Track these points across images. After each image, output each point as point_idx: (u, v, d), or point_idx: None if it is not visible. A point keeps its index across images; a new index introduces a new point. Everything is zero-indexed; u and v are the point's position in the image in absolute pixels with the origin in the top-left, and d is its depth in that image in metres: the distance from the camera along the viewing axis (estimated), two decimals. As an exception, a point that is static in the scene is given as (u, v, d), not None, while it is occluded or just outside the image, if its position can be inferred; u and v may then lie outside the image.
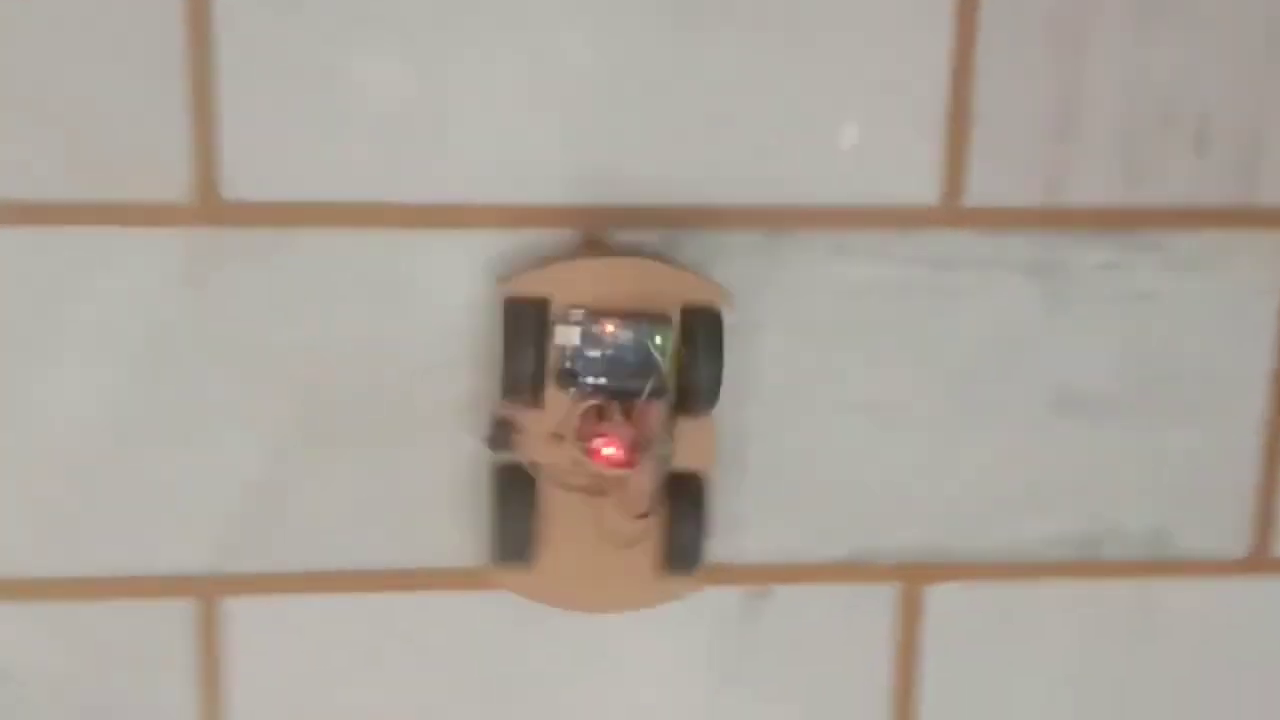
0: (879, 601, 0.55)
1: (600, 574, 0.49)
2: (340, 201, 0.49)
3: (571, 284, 0.47)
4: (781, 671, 0.55)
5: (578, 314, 0.47)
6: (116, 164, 0.48)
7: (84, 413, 0.50)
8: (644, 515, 0.48)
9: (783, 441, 0.53)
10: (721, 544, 0.52)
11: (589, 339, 0.47)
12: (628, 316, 0.47)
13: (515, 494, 0.48)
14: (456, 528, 0.52)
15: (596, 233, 0.50)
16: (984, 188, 0.51)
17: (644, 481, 0.47)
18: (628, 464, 0.47)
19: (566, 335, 0.47)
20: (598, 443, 0.46)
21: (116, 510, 0.51)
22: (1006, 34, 0.50)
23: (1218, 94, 0.51)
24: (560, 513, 0.48)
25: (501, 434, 0.48)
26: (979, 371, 0.53)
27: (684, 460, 0.48)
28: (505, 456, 0.48)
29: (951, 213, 0.51)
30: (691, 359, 0.47)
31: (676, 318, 0.47)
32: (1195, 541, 0.56)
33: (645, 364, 0.47)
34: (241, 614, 0.52)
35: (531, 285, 0.47)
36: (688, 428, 0.48)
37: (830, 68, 0.49)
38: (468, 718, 0.54)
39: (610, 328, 0.47)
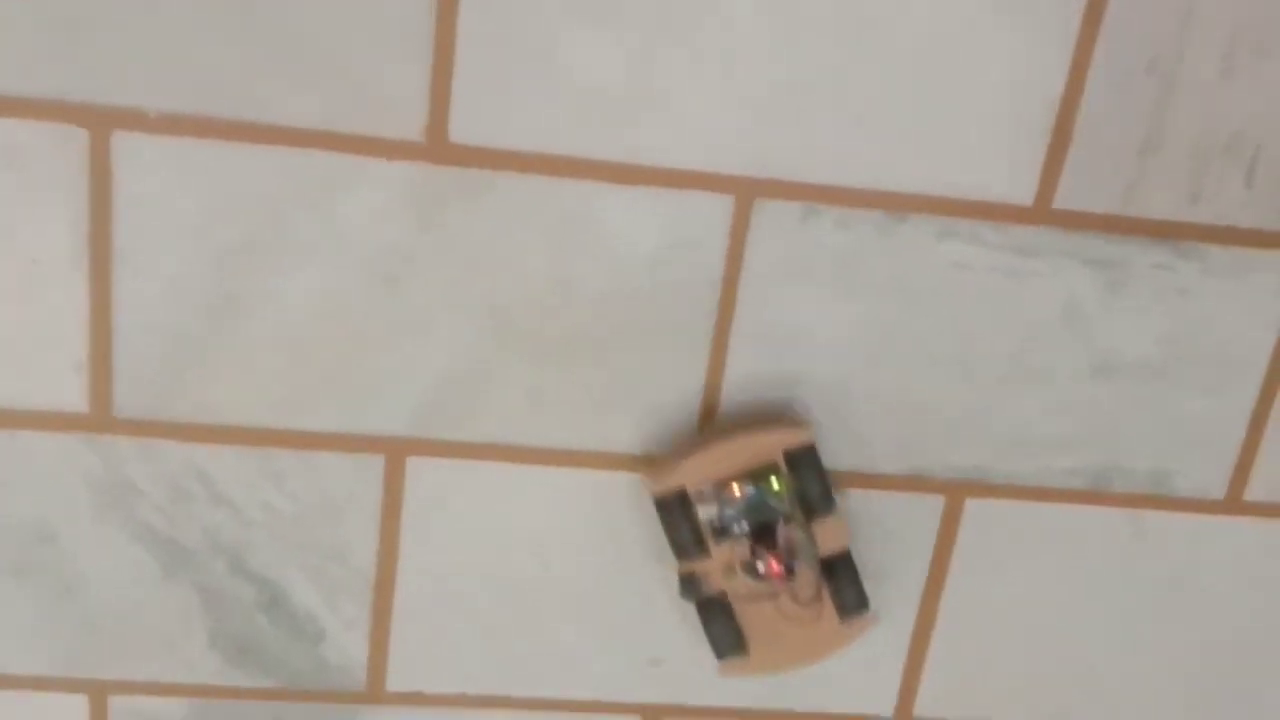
0: (929, 510, 0.68)
1: (798, 642, 0.65)
2: (546, 153, 0.59)
3: (697, 470, 0.62)
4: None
5: (708, 491, 0.62)
6: (364, 104, 0.57)
7: (315, 305, 0.60)
8: (813, 599, 0.64)
9: (877, 381, 0.64)
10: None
11: (724, 502, 0.62)
12: (745, 476, 0.62)
13: (716, 617, 0.64)
14: (614, 423, 0.64)
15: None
16: (1071, 193, 0.62)
17: (804, 579, 0.64)
18: (787, 574, 0.63)
19: (706, 511, 0.62)
20: (760, 568, 0.63)
21: (332, 382, 0.62)
22: (1113, 71, 0.60)
23: (1273, 133, 0.62)
24: (753, 615, 0.64)
25: (689, 585, 0.63)
26: (1041, 337, 0.65)
27: (828, 547, 0.64)
28: (699, 595, 0.63)
29: (1041, 212, 0.62)
30: (801, 484, 0.62)
31: (781, 460, 0.62)
32: (1186, 483, 0.69)
33: (772, 503, 0.62)
34: (424, 474, 0.64)
35: (669, 481, 0.62)
36: (822, 526, 0.63)
37: (962, 84, 0.59)
38: (598, 593, 0.67)
39: (735, 490, 0.62)
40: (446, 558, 0.66)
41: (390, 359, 0.62)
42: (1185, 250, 0.64)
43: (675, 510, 0.62)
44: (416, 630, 0.68)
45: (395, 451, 0.64)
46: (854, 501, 0.67)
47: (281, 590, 0.66)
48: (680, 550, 0.62)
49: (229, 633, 0.67)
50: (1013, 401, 0.66)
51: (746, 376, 0.64)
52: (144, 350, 0.60)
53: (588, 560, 0.67)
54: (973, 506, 0.69)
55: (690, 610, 0.65)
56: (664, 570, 0.67)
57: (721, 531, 0.62)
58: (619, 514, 0.66)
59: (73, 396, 0.61)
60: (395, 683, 0.69)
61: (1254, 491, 0.70)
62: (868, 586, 0.67)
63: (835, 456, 0.66)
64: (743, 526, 0.62)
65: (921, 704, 0.73)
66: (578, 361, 0.63)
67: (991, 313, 0.64)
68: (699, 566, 0.63)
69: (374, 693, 0.69)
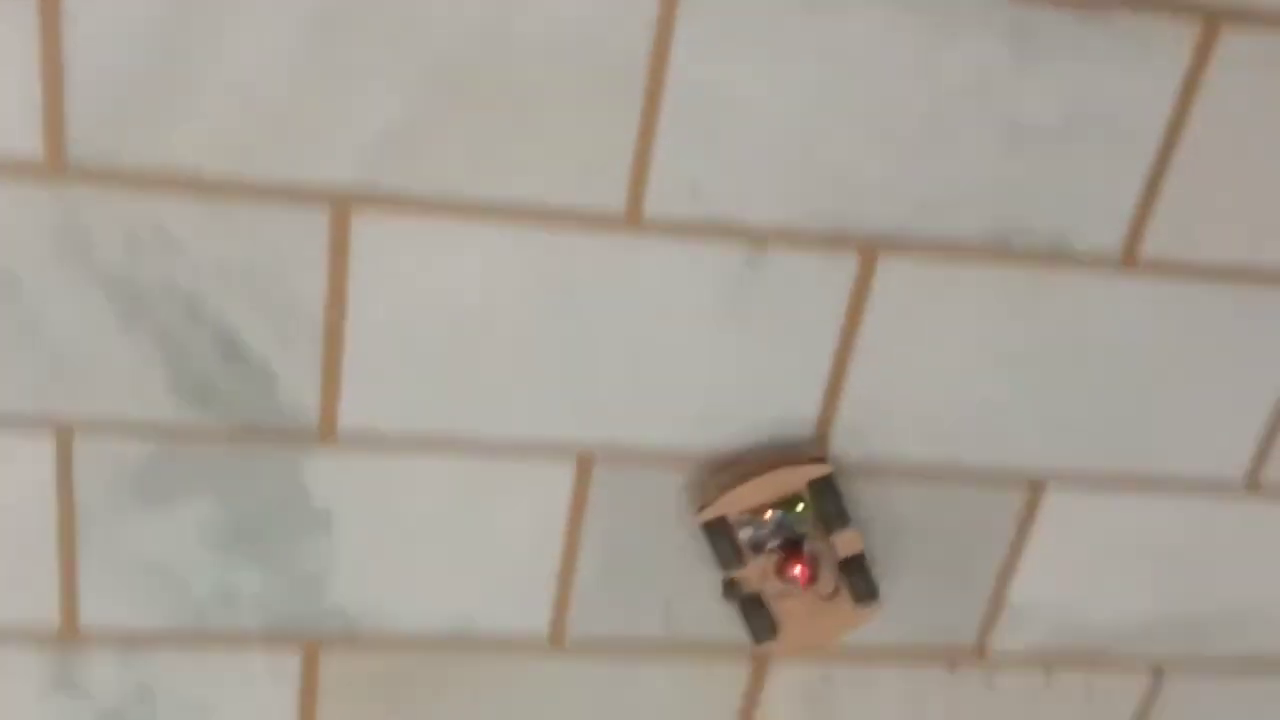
0: (845, 267, 0.73)
1: (821, 626, 0.81)
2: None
3: (736, 503, 0.77)
4: (770, 317, 0.73)
5: (745, 518, 0.77)
6: None
7: (262, 53, 0.63)
8: (832, 594, 0.80)
9: (799, 142, 0.68)
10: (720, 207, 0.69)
11: (758, 526, 0.77)
12: (776, 505, 0.77)
13: (753, 612, 0.80)
14: (553, 177, 0.67)
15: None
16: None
17: (825, 580, 0.80)
18: (812, 579, 0.78)
19: (744, 534, 0.78)
20: (791, 574, 0.78)
21: (278, 131, 0.65)
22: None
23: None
24: (784, 608, 0.80)
25: (731, 589, 0.79)
26: (955, 102, 0.69)
27: (845, 551, 0.79)
28: (739, 596, 0.79)
29: (957, -23, 0.65)
30: (823, 507, 0.77)
31: (805, 489, 0.76)
32: (1084, 244, 0.75)
33: (797, 523, 0.78)
34: (369, 224, 0.68)
35: (713, 513, 0.77)
36: (840, 536, 0.78)
37: None
38: (542, 340, 0.72)
39: (768, 515, 0.77)
40: (393, 306, 0.70)
41: (334, 109, 0.65)
42: (1090, 17, 0.67)
43: (718, 533, 0.77)
44: (365, 375, 0.72)
45: (340, 202, 0.67)
46: (778, 257, 0.72)
47: (235, 336, 0.70)
48: (723, 562, 0.78)
49: (186, 377, 0.71)
50: (922, 163, 0.71)
51: (677, 134, 0.68)
52: (96, 95, 0.63)
53: (530, 308, 0.72)
54: (886, 264, 0.74)
55: (628, 360, 0.71)
56: (604, 319, 0.72)
57: (756, 547, 0.78)
58: (561, 265, 0.71)
59: (27, 144, 0.63)
60: (346, 424, 0.74)
61: (1147, 252, 0.76)
62: (785, 336, 0.72)
63: (760, 213, 0.70)
64: (774, 543, 0.78)
65: (833, 446, 0.79)
66: (518, 116, 0.66)
67: (898, 83, 0.68)
68: (738, 574, 0.79)
69: (326, 434, 0.74)
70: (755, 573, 0.78)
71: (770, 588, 0.79)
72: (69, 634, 0.77)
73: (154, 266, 0.67)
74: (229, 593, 0.78)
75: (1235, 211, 0.75)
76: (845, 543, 0.78)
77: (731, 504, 0.76)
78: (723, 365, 0.75)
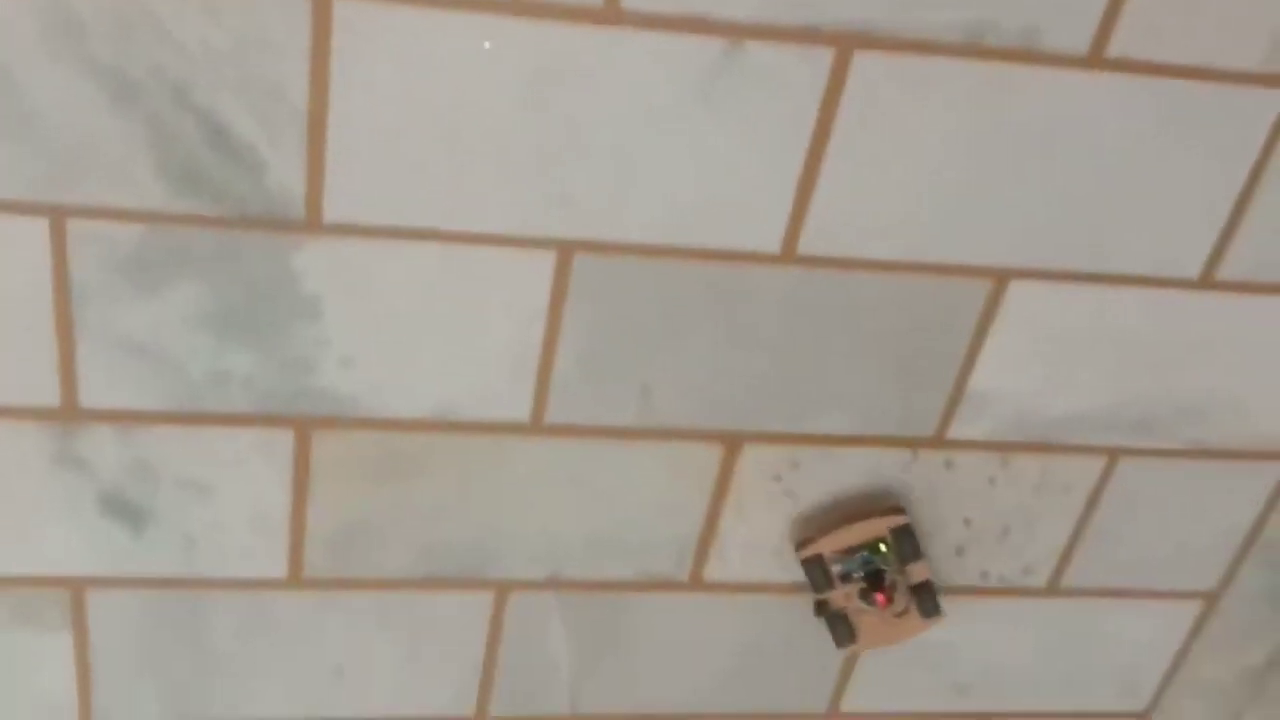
0: (818, 63, 0.75)
1: (892, 633, 0.98)
2: None
3: (830, 544, 0.93)
4: (745, 111, 0.75)
5: (837, 556, 0.94)
6: None
7: None
8: (903, 612, 0.96)
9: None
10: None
11: (848, 562, 0.94)
12: (860, 547, 0.93)
13: (839, 625, 0.97)
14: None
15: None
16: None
17: (899, 602, 0.96)
18: (889, 603, 0.94)
19: (836, 567, 0.94)
20: (875, 600, 0.94)
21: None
22: None
23: None
24: (864, 621, 0.97)
25: (821, 608, 0.96)
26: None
27: (915, 579, 0.96)
28: (828, 613, 0.96)
29: None
30: (900, 548, 0.93)
31: (888, 533, 0.93)
32: (1053, 40, 0.76)
33: (880, 560, 0.94)
34: (351, 14, 0.69)
35: (811, 551, 0.93)
36: (914, 566, 0.95)
37: None
38: (521, 132, 0.73)
39: (856, 552, 0.93)
40: (375, 96, 0.72)
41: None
42: None
43: (814, 567, 0.94)
44: (349, 165, 0.74)
45: (324, -9, 0.68)
46: (754, 51, 0.73)
47: (222, 123, 0.72)
48: (816, 588, 0.94)
49: (175, 164, 0.73)
50: (900, -43, 0.71)
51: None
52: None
53: (510, 99, 0.73)
54: (860, 59, 0.75)
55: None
56: (582, 111, 0.74)
57: (845, 578, 0.94)
58: (540, 57, 0.72)
59: (12, -72, 0.64)
60: (332, 213, 0.76)
61: (1114, 50, 0.77)
62: (756, 119, 0.74)
63: (736, 7, 0.71)
64: (859, 574, 0.94)
65: (805, 242, 0.82)
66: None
67: None
68: (828, 596, 0.95)
69: (313, 222, 0.77)
70: (841, 596, 0.96)
71: (853, 607, 0.96)
72: (69, 414, 0.81)
73: (143, 54, 0.69)
74: (222, 375, 0.81)
75: (1201, 11, 0.76)
76: (916, 571, 0.95)
77: (828, 544, 0.93)
78: (698, 158, 0.77)
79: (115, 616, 0.90)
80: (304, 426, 0.84)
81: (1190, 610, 1.05)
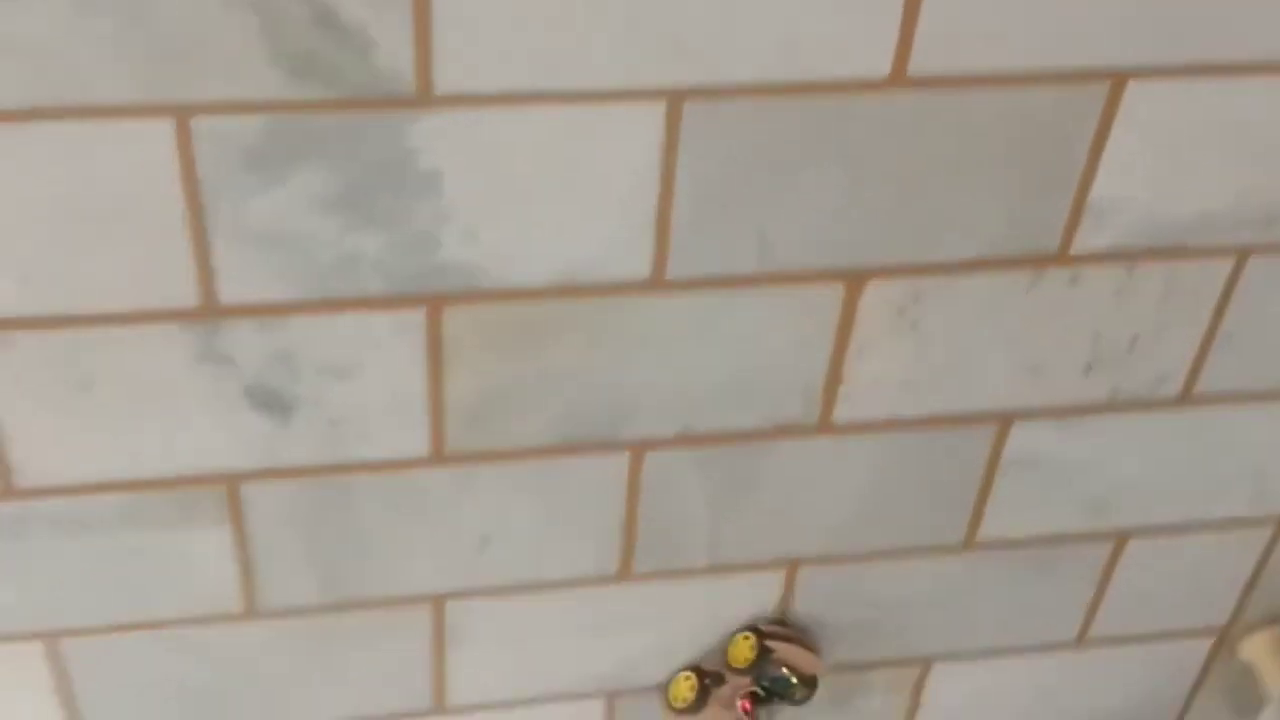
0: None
1: None
2: None
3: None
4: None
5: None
6: None
7: None
8: None
9: None
10: None
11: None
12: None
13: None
14: None
15: None
16: None
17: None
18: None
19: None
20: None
21: None
22: None
23: None
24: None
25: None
26: None
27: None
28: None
29: None
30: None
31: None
32: None
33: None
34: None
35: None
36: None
37: None
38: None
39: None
40: (479, -45, 0.72)
41: None
42: None
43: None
44: (457, 34, 0.74)
45: None
46: None
47: (329, 3, 0.72)
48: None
49: (287, 49, 0.73)
50: None
51: None
52: None
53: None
54: None
55: None
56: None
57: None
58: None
59: None
60: (442, 86, 0.77)
61: None
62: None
63: None
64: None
65: (914, 64, 0.81)
66: None
67: None
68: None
69: (424, 98, 0.77)
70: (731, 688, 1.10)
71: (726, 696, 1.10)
72: (209, 311, 0.83)
73: (245, -61, 0.69)
74: (351, 258, 0.83)
75: None
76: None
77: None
78: (802, -10, 0.76)
79: (269, 506, 0.93)
80: (434, 303, 0.86)
81: (1324, 408, 1.05)
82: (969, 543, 1.08)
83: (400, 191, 0.80)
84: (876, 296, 0.91)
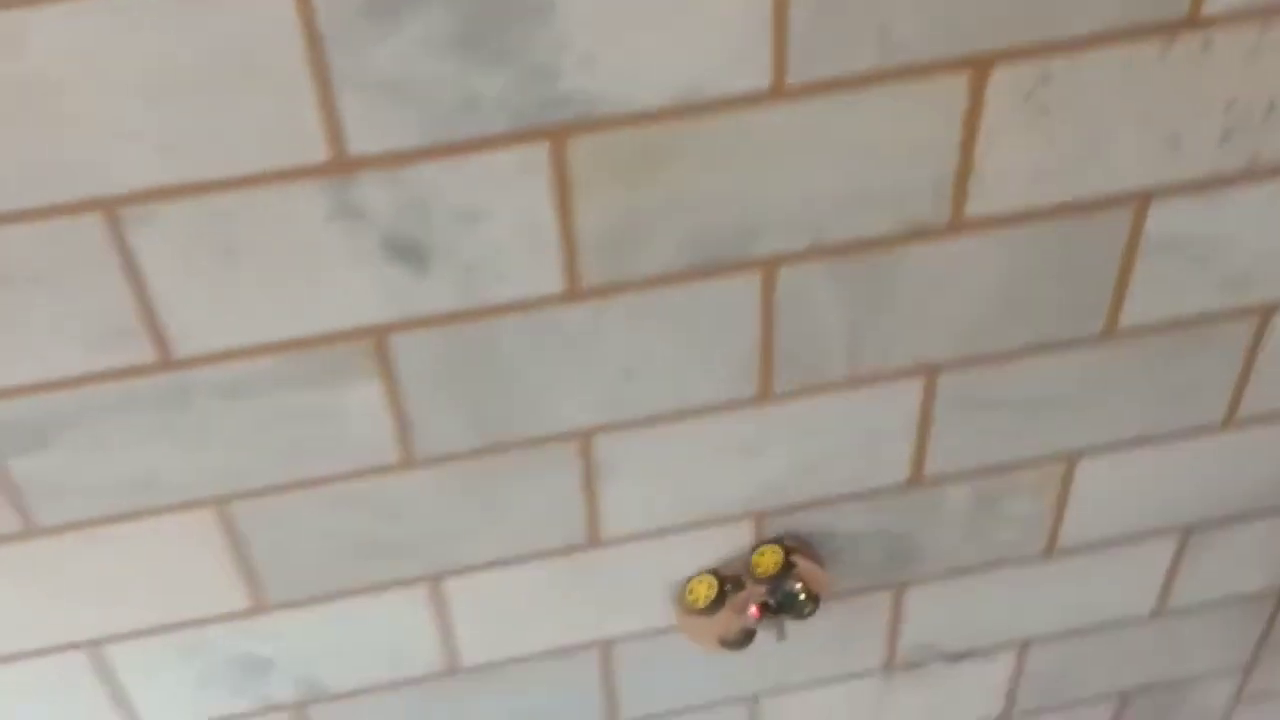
0: None
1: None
2: None
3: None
4: None
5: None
6: None
7: None
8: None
9: None
10: None
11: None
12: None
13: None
14: None
15: None
16: None
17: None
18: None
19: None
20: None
21: None
22: None
23: None
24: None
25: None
26: None
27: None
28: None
29: None
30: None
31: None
32: None
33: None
34: None
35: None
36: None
37: None
38: None
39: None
40: None
41: None
42: None
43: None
44: None
45: None
46: None
47: None
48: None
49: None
50: None
51: None
52: None
53: None
54: None
55: None
56: None
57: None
58: None
59: None
60: (548, -93, 0.75)
61: None
62: None
63: None
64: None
65: None
66: None
67: None
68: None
69: (530, -79, 0.76)
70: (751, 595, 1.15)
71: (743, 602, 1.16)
72: (339, 165, 0.84)
73: None
74: (472, 98, 0.83)
75: None
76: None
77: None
78: None
79: (415, 356, 0.95)
80: (557, 136, 0.86)
81: None
82: (1109, 332, 1.07)
83: (516, 24, 0.79)
84: (1003, 82, 0.89)
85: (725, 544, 1.15)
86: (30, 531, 0.98)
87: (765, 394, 1.05)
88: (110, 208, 0.82)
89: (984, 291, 1.02)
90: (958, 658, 1.33)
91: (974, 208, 0.96)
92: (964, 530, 1.19)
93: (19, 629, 1.04)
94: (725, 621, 1.18)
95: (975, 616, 1.28)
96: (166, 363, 0.91)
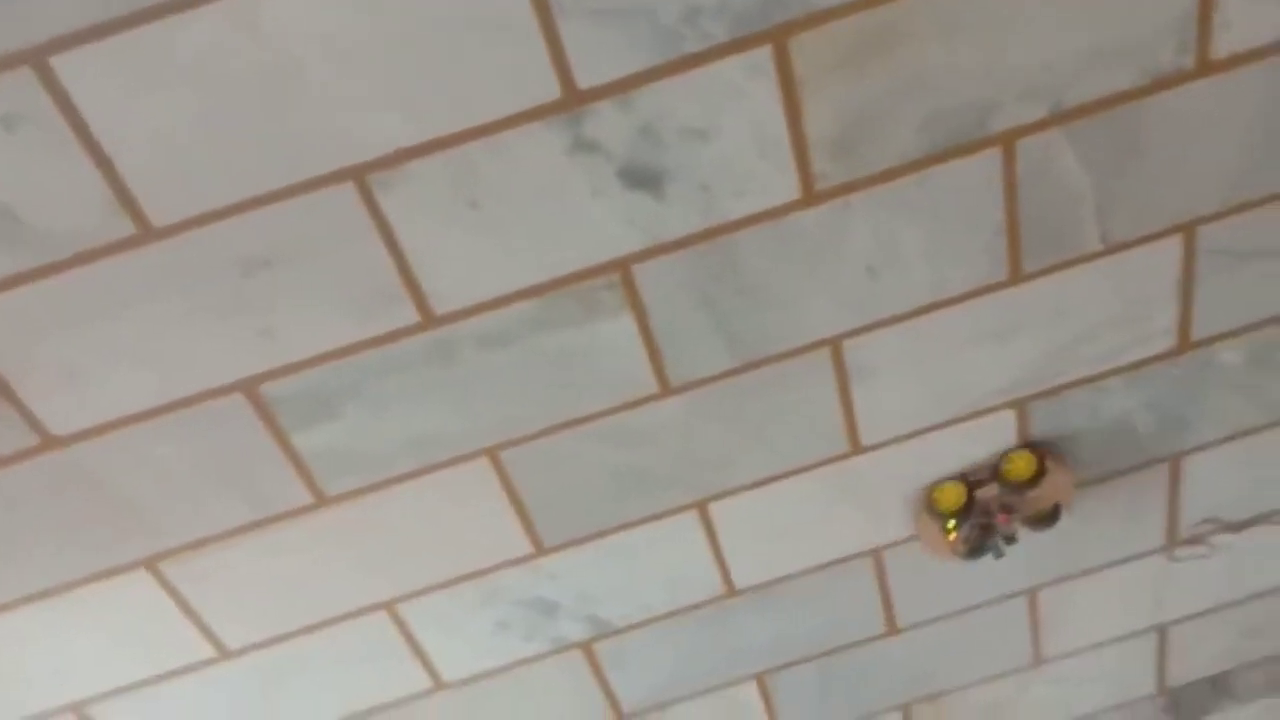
0: None
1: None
2: None
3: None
4: None
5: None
6: None
7: None
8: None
9: None
10: None
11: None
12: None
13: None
14: None
15: None
16: None
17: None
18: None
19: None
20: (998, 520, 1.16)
21: None
22: None
23: None
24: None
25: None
26: None
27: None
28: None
29: None
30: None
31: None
32: None
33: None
34: None
35: None
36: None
37: None
38: None
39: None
40: None
41: None
42: None
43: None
44: None
45: None
46: None
47: None
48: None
49: None
50: None
51: None
52: None
53: None
54: None
55: None
56: None
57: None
58: None
59: None
60: None
61: None
62: None
63: None
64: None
65: None
66: None
67: None
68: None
69: None
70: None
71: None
72: (571, 100, 0.85)
73: None
74: (692, 11, 0.82)
75: None
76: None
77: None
78: None
79: (661, 282, 0.96)
80: (779, 36, 0.84)
81: None
82: (1379, 159, 1.00)
83: (728, -75, 0.78)
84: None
85: (986, 441, 1.12)
86: (322, 502, 1.02)
87: (1015, 275, 1.02)
88: (360, 174, 0.85)
89: (1238, 135, 0.96)
90: (1241, 526, 1.28)
91: (1220, 47, 0.91)
92: (1241, 391, 1.14)
93: (323, 598, 1.09)
94: (964, 533, 1.16)
95: (1261, 481, 1.23)
96: (430, 320, 0.93)
